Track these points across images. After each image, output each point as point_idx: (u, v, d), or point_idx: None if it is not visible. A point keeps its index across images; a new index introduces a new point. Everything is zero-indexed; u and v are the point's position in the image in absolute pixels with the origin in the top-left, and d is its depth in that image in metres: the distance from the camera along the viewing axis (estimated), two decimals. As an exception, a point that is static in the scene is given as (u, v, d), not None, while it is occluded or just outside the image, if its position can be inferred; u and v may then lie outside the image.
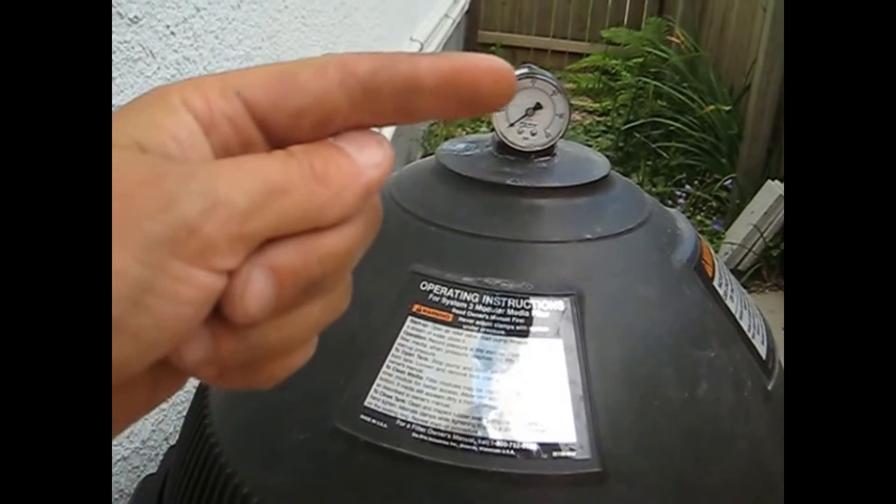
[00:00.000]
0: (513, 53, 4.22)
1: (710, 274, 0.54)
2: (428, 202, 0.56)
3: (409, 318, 0.48)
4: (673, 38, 3.25)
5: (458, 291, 0.48)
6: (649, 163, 2.83)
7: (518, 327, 0.47)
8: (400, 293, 0.49)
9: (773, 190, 2.24)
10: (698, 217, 2.47)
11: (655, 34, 3.56)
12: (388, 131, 1.72)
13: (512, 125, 0.57)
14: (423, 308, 0.48)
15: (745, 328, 0.54)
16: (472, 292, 0.48)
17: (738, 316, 0.53)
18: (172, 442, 0.84)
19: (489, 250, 0.51)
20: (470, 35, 4.09)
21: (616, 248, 0.52)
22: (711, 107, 2.60)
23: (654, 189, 2.71)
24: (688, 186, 2.58)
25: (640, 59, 3.44)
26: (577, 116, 3.57)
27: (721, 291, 0.54)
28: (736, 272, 2.22)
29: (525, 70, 0.58)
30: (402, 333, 0.48)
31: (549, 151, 0.58)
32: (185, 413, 0.65)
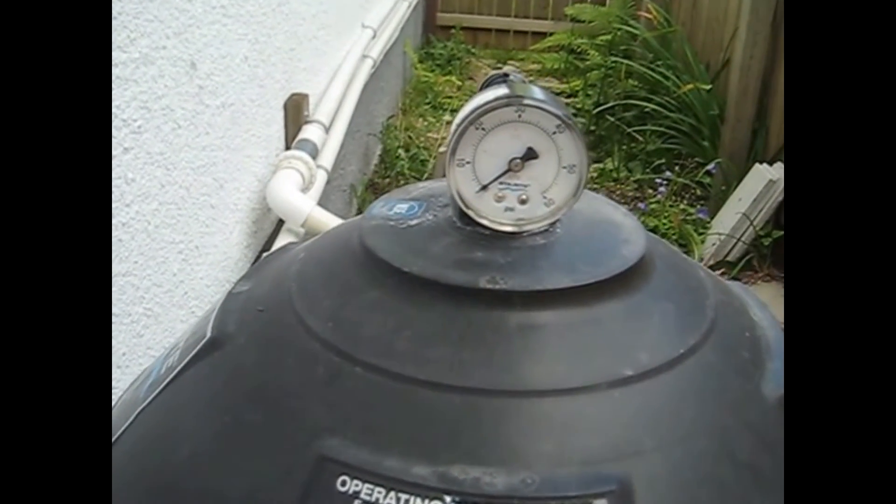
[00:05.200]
0: (474, 35, 4.01)
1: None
2: (349, 319, 0.34)
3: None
4: (642, 13, 3.07)
5: (406, 496, 0.28)
6: (624, 147, 2.66)
7: (519, 568, 0.26)
8: (300, 497, 0.29)
9: (762, 174, 2.09)
10: (681, 206, 2.31)
11: (623, 9, 3.38)
12: (341, 125, 1.50)
13: (485, 188, 0.34)
14: (348, 524, 0.28)
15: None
16: (433, 497, 0.27)
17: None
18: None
19: (457, 413, 0.30)
20: (428, 18, 3.86)
21: (675, 389, 0.31)
22: (690, 85, 2.43)
23: (630, 176, 2.54)
24: (668, 173, 2.41)
25: (608, 37, 3.26)
26: (544, 98, 3.39)
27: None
28: (725, 264, 2.07)
29: (505, 90, 0.35)
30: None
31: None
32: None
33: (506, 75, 0.41)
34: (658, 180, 2.40)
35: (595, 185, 2.54)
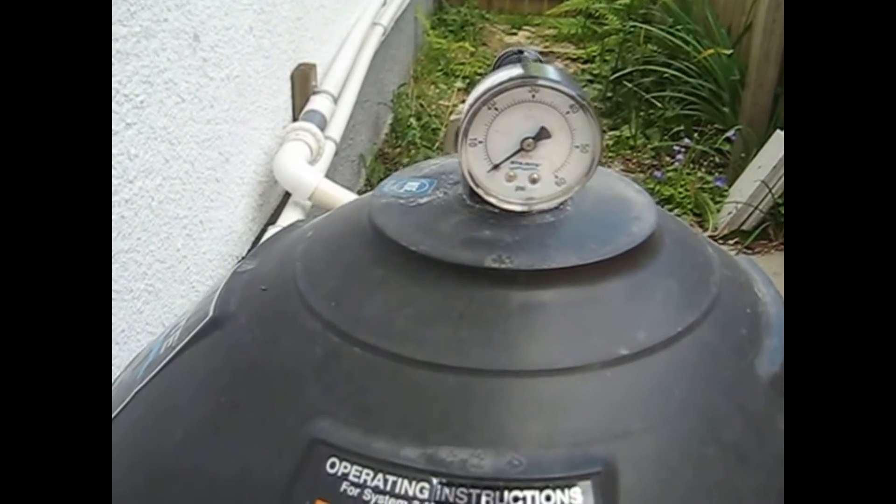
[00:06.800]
0: (488, 1, 3.93)
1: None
2: (350, 298, 0.34)
3: (312, 523, 0.28)
4: (662, -25, 2.99)
5: (393, 478, 0.28)
6: (642, 114, 2.61)
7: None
8: (291, 477, 0.29)
9: (783, 141, 2.04)
10: (699, 173, 2.27)
11: (642, -29, 3.29)
12: (350, 95, 1.48)
13: (496, 167, 0.34)
14: (333, 507, 0.28)
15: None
16: (419, 480, 0.27)
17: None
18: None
19: (450, 394, 0.30)
20: (441, -17, 3.79)
21: (668, 368, 0.31)
22: (710, 50, 2.37)
23: (648, 143, 2.50)
24: (686, 140, 2.37)
25: (627, 0, 3.18)
26: (559, 65, 3.34)
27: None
28: (740, 233, 2.04)
29: (519, 70, 0.35)
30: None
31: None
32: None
33: (520, 51, 0.41)
34: (676, 147, 2.35)
35: (611, 153, 2.51)
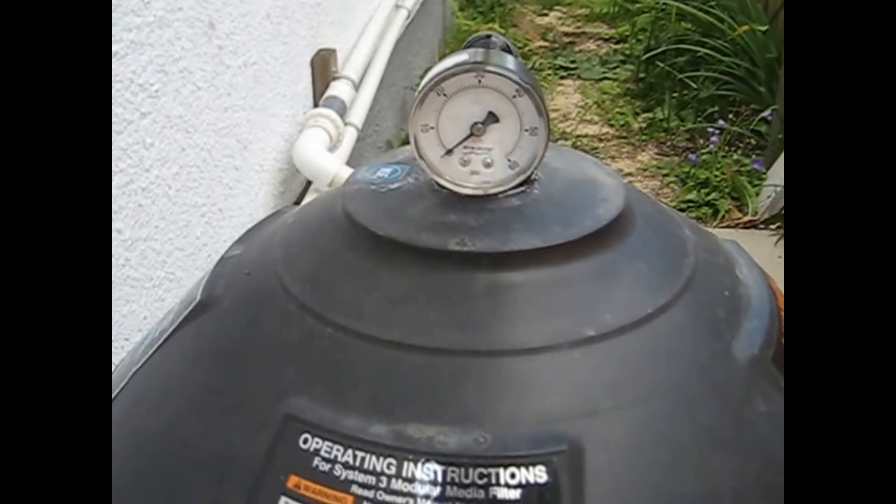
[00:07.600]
0: (517, -19, 3.87)
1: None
2: (324, 281, 0.35)
3: (283, 499, 0.28)
4: (696, -50, 2.90)
5: (362, 454, 0.28)
6: (675, 95, 2.55)
7: (465, 524, 0.26)
8: (266, 453, 0.29)
9: (821, 120, 1.96)
10: (735, 156, 2.21)
11: (676, -53, 3.20)
12: (373, 80, 1.48)
13: (450, 152, 0.35)
14: (304, 482, 0.28)
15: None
16: (387, 455, 0.28)
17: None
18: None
19: (418, 373, 0.30)
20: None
21: (638, 349, 0.30)
22: (745, 27, 2.30)
23: (682, 125, 2.44)
24: (721, 121, 2.30)
25: (661, -23, 3.10)
26: (591, 45, 3.28)
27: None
28: (781, 217, 1.98)
29: (466, 55, 0.36)
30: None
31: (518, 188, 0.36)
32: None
33: (488, 36, 0.43)
34: (710, 129, 2.29)
35: (645, 136, 2.46)
